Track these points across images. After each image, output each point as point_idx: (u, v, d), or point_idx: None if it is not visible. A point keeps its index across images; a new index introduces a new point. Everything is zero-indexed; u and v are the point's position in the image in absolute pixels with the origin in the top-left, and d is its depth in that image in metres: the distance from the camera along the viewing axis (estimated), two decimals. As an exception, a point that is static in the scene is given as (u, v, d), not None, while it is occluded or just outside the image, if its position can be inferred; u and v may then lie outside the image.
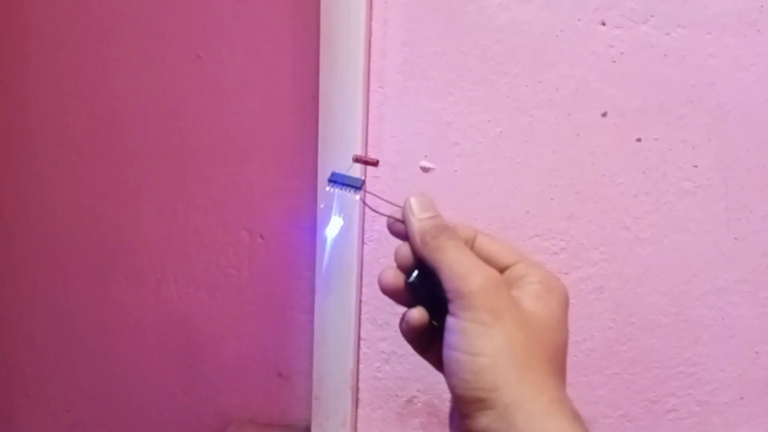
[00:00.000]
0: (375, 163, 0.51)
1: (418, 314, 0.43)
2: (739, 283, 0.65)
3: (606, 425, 0.70)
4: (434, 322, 0.44)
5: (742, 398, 0.68)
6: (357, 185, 0.48)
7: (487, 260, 0.43)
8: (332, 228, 0.50)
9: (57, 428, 0.81)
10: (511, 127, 0.64)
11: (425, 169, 0.67)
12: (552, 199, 0.65)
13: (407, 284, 0.44)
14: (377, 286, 0.70)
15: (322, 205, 0.49)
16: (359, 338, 0.72)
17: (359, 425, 0.74)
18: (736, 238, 0.64)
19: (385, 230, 0.68)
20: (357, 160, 0.51)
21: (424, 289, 0.44)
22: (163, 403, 0.78)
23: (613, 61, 0.61)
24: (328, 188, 0.48)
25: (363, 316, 0.71)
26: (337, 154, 0.65)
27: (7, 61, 0.72)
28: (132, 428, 0.79)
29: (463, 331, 0.40)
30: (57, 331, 0.79)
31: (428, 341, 0.45)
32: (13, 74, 0.72)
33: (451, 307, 0.41)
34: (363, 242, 0.70)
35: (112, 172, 0.73)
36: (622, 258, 0.65)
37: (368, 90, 0.65)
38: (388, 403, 0.73)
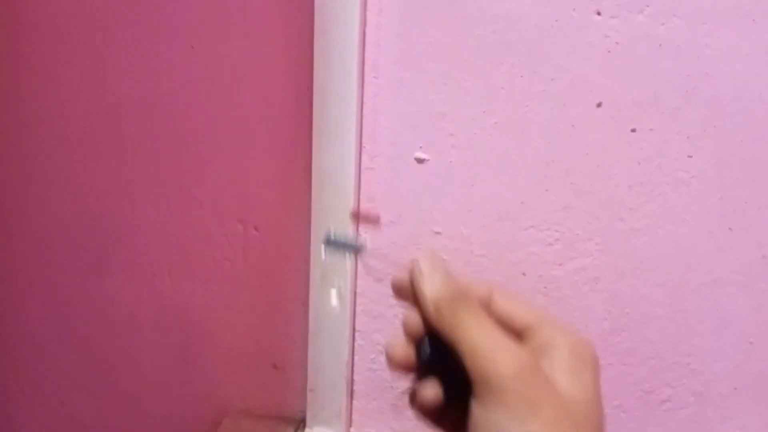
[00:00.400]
0: (376, 220, 0.47)
1: (432, 393, 0.39)
2: (735, 274, 0.65)
3: (601, 416, 0.70)
4: (448, 391, 0.39)
5: (736, 389, 0.68)
6: (357, 249, 0.44)
7: (506, 321, 0.40)
8: (329, 303, 0.46)
9: (54, 422, 0.81)
10: (507, 118, 0.64)
11: (420, 161, 0.67)
12: (547, 191, 0.65)
13: (419, 357, 0.40)
14: (373, 278, 0.70)
15: (317, 277, 0.44)
16: (354, 330, 0.72)
17: (354, 417, 0.74)
18: (731, 230, 0.64)
19: (381, 221, 0.69)
20: (356, 216, 0.48)
21: (437, 360, 0.39)
22: (159, 395, 0.78)
23: (609, 52, 0.61)
24: (322, 255, 0.45)
25: (358, 308, 0.71)
26: (331, 146, 0.65)
27: (2, 55, 0.71)
28: (128, 421, 0.79)
29: (494, 427, 0.35)
30: (53, 326, 0.78)
31: (441, 413, 0.40)
32: (8, 69, 0.71)
33: (477, 393, 0.36)
34: (359, 234, 0.70)
35: (107, 166, 0.72)
36: (618, 249, 0.65)
37: (363, 81, 0.65)
38: (384, 394, 0.74)
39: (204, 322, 0.75)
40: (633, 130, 0.62)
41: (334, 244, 0.44)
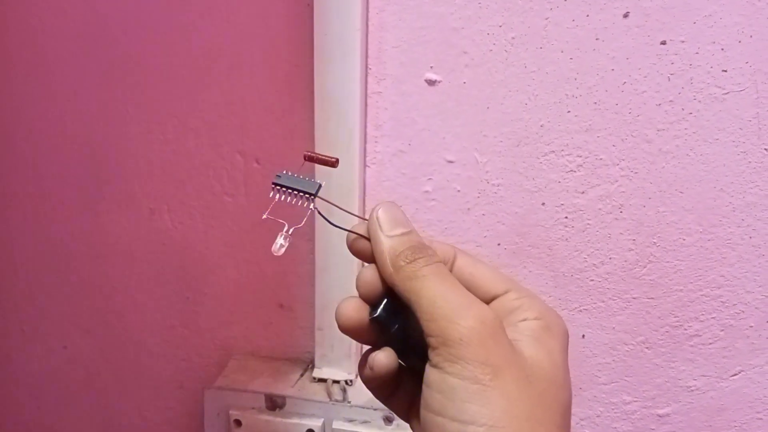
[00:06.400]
0: (333, 164, 0.41)
1: (386, 359, 0.35)
2: (770, 197, 0.60)
3: (624, 352, 0.67)
4: (402, 362, 0.36)
5: (769, 321, 0.64)
6: (311, 191, 0.39)
7: (469, 288, 0.36)
8: (278, 246, 0.41)
9: (54, 364, 0.79)
10: (525, 31, 0.59)
11: (431, 82, 0.62)
12: (569, 111, 0.60)
13: (372, 320, 0.36)
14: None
15: (264, 215, 0.40)
16: (362, 265, 0.68)
17: (365, 356, 0.71)
18: (767, 150, 0.59)
19: (389, 151, 0.65)
20: (310, 158, 0.41)
21: (394, 324, 0.36)
22: (163, 336, 0.75)
23: (637, -46, 0.55)
24: (271, 194, 0.40)
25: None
26: (334, 68, 0.61)
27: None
28: (131, 363, 0.77)
29: (450, 391, 0.31)
30: (50, 265, 0.75)
31: (394, 386, 0.37)
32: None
33: (433, 355, 0.33)
34: (365, 165, 0.65)
35: (96, 94, 0.68)
36: (644, 173, 0.61)
37: (368, -5, 0.60)
38: (395, 332, 0.70)
39: (206, 260, 0.71)
40: (663, 42, 0.57)
41: (285, 184, 0.40)
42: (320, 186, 0.39)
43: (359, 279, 0.37)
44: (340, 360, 0.69)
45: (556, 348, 0.35)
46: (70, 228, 0.73)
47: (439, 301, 0.33)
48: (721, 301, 0.64)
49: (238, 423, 0.68)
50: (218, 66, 0.65)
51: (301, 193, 0.39)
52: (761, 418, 0.67)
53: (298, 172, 0.40)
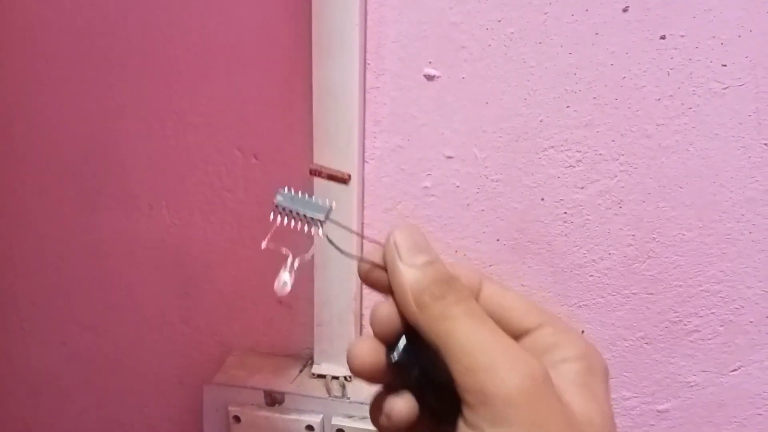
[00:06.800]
0: (345, 181, 0.36)
1: (405, 407, 0.31)
2: (770, 193, 0.60)
3: (624, 348, 0.67)
4: (424, 408, 0.32)
5: (768, 317, 0.64)
6: (320, 216, 0.33)
7: (498, 322, 0.31)
8: (282, 284, 0.35)
9: (54, 360, 0.79)
10: (524, 26, 0.58)
11: (430, 77, 0.62)
12: (568, 106, 0.60)
13: (391, 363, 0.31)
14: (380, 208, 0.66)
15: (263, 245, 0.34)
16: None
17: (364, 352, 0.71)
18: (767, 145, 0.59)
19: (388, 147, 0.64)
20: (316, 173, 0.37)
21: (414, 367, 0.31)
22: (162, 333, 0.75)
23: (637, -52, 0.55)
24: (272, 218, 0.34)
25: (365, 240, 0.68)
26: (333, 63, 0.60)
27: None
28: (130, 359, 0.76)
29: None
30: (49, 261, 0.75)
31: (409, 430, 0.32)
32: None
33: (470, 414, 0.28)
34: (364, 160, 0.65)
35: (95, 90, 0.68)
36: (644, 168, 0.61)
37: (366, -10, 0.60)
38: (395, 328, 0.70)
39: (205, 256, 0.71)
40: (662, 37, 0.57)
41: (288, 206, 0.33)
42: (331, 208, 0.33)
43: (374, 316, 0.32)
44: (339, 356, 0.69)
45: (602, 394, 0.31)
46: (68, 224, 0.73)
47: (477, 351, 0.29)
48: (721, 297, 0.64)
49: (237, 419, 0.68)
50: (217, 61, 0.65)
51: (308, 218, 0.34)
52: (761, 414, 0.67)
53: (301, 187, 0.35)
